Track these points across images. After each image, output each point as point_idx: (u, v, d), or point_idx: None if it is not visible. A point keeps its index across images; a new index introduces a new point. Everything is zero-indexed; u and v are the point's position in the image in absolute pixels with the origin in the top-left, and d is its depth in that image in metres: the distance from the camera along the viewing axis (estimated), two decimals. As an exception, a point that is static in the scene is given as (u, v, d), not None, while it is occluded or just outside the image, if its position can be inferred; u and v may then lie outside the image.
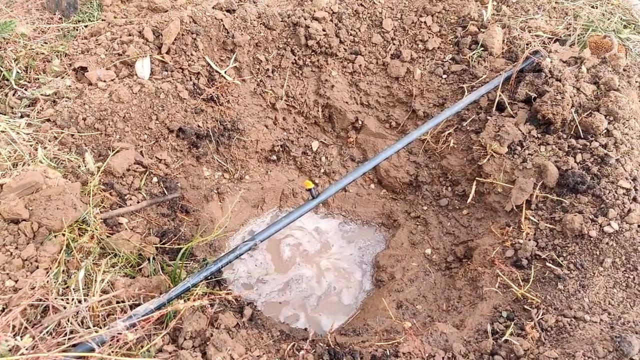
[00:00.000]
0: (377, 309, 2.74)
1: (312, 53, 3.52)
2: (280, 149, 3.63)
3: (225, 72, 3.35)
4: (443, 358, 2.09)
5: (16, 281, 2.04)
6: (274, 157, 3.62)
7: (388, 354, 2.10)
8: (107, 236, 2.42)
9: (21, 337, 1.80)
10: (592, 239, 2.32)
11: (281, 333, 2.40)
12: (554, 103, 2.84)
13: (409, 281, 2.87)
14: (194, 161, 3.24)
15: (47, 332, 1.93)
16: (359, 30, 3.53)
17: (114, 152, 2.77)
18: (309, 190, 2.49)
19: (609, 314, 2.06)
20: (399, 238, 3.19)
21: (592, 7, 3.90)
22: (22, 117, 2.72)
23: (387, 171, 3.49)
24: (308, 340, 2.20)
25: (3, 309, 1.92)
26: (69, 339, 1.90)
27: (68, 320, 1.98)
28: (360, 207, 3.53)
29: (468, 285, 2.61)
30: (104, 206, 2.59)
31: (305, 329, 2.79)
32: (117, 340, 1.88)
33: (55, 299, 2.05)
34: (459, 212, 3.08)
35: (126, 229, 2.57)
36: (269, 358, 2.05)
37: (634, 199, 2.39)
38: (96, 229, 2.41)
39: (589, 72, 3.01)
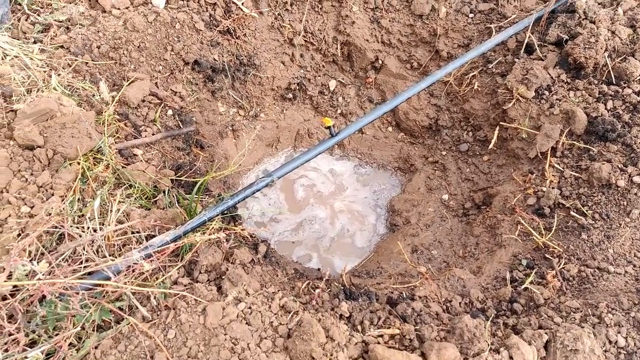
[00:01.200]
0: (392, 252, 2.72)
1: (333, -14, 3.32)
2: (297, 87, 3.50)
3: (242, 3, 3.18)
4: (460, 303, 2.08)
5: (32, 207, 2.02)
6: (290, 96, 3.51)
7: (404, 296, 2.09)
8: (122, 167, 2.38)
9: (37, 262, 1.79)
10: (619, 188, 2.24)
11: (295, 271, 2.40)
12: (586, 46, 2.68)
13: (424, 226, 2.84)
14: (209, 96, 3.14)
15: (63, 259, 1.93)
16: (384, -37, 3.31)
17: (129, 82, 2.68)
18: (328, 127, 2.40)
19: (634, 265, 2.02)
20: (415, 183, 3.13)
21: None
22: (35, 42, 2.61)
23: (406, 114, 3.38)
24: (324, 280, 2.20)
25: (19, 234, 1.91)
26: (84, 267, 1.89)
27: (84, 249, 1.97)
28: (376, 150, 3.45)
29: (486, 233, 2.57)
30: (118, 137, 2.53)
31: (319, 269, 2.79)
32: (133, 270, 1.87)
33: (71, 226, 2.03)
34: (480, 158, 3.00)
35: (141, 160, 2.52)
36: (284, 294, 2.04)
37: (667, 150, 2.29)
38: (111, 159, 2.37)
39: (626, 15, 2.82)
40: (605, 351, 1.77)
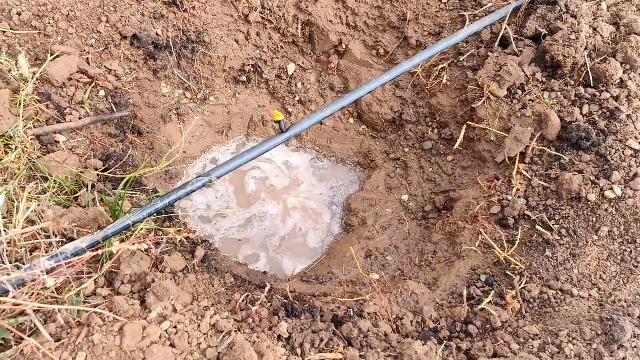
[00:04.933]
0: (344, 256, 2.52)
1: (296, -43, 3.02)
2: (252, 70, 3.20)
3: (192, -29, 2.83)
4: (412, 322, 1.89)
5: None
6: (244, 79, 3.20)
7: (352, 314, 1.89)
8: (39, 157, 2.06)
9: None
10: (589, 203, 2.08)
11: (236, 279, 2.16)
12: (566, 44, 2.49)
13: (381, 229, 2.64)
14: (150, 75, 2.81)
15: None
16: (354, -64, 3.02)
17: (54, 56, 2.33)
18: (278, 122, 2.14)
19: (599, 289, 1.88)
20: (374, 180, 2.92)
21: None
22: (-57, 3, 2.23)
23: (369, 105, 3.14)
24: (265, 290, 1.97)
25: None
26: (-18, 275, 1.60)
27: (-18, 254, 1.67)
28: (336, 142, 3.21)
29: (445, 240, 2.39)
30: (38, 120, 2.20)
31: (265, 273, 2.57)
32: (39, 284, 1.59)
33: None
34: (444, 158, 2.80)
35: (64, 149, 2.20)
36: (217, 310, 1.81)
37: (641, 163, 2.14)
38: (25, 147, 2.05)
39: (609, 11, 2.65)
40: (564, 386, 1.63)
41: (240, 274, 2.31)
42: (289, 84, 3.26)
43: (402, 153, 2.97)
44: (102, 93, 2.51)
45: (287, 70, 3.24)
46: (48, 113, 2.26)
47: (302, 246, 2.79)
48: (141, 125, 2.67)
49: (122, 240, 1.93)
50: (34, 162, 2.02)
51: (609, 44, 2.50)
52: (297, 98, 3.25)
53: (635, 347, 1.65)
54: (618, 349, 1.66)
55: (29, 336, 1.57)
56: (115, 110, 2.51)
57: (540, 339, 1.75)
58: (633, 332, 1.67)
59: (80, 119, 2.34)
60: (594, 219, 2.05)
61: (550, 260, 2.00)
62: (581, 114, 2.37)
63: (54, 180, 2.00)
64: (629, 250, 1.97)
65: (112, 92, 2.55)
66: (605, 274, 1.93)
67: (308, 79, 3.28)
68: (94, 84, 2.47)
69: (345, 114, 3.27)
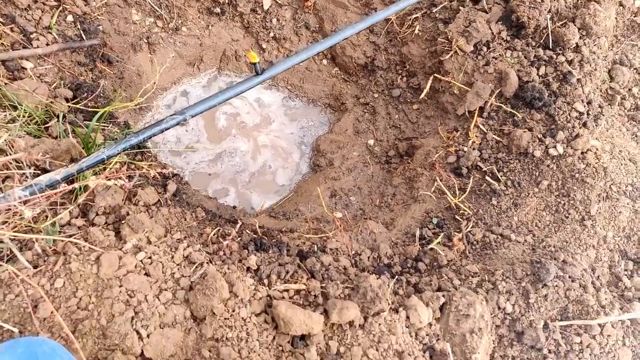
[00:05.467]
0: (311, 194, 2.67)
1: None
2: (227, 1, 3.12)
3: None
4: (369, 257, 2.10)
5: None
6: (218, 10, 3.13)
7: (315, 249, 2.07)
8: (5, 84, 2.03)
9: None
10: (534, 158, 2.29)
11: (207, 213, 2.28)
12: (532, 5, 2.58)
13: (347, 170, 2.79)
14: (121, 1, 2.71)
15: None
16: None
17: (16, -26, 2.22)
18: (253, 64, 2.17)
19: (533, 235, 2.12)
20: (344, 123, 3.02)
21: None
22: None
23: (343, 48, 3.17)
24: (237, 227, 2.11)
25: None
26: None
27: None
28: (308, 83, 3.25)
29: (404, 184, 2.58)
30: (2, 43, 2.14)
31: (234, 207, 2.70)
32: (14, 214, 1.65)
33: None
34: (409, 106, 2.93)
35: (31, 76, 2.17)
36: (190, 243, 1.94)
37: (584, 124, 2.34)
38: (-9, 72, 2.01)
39: (577, -25, 2.73)
40: (494, 316, 1.90)
41: (211, 208, 2.43)
42: (263, 19, 3.21)
43: (372, 98, 3.07)
44: (70, 18, 2.43)
45: (262, 5, 3.18)
46: (13, 37, 2.19)
47: (271, 183, 2.92)
48: (111, 54, 2.62)
49: (96, 173, 1.99)
50: (1, 89, 1.99)
51: (570, 9, 2.60)
52: (272, 34, 3.23)
53: (556, 286, 1.92)
54: (542, 287, 1.92)
55: (6, 262, 1.65)
56: (84, 37, 2.45)
57: (478, 276, 1.99)
58: (556, 273, 1.94)
59: (47, 44, 2.28)
60: (537, 173, 2.27)
61: (495, 207, 2.23)
62: (537, 74, 2.51)
63: (24, 110, 1.99)
64: (562, 202, 2.22)
65: (81, 17, 2.47)
66: (540, 222, 2.18)
67: (283, 15, 3.24)
68: (61, 8, 2.39)
69: (319, 55, 3.29)
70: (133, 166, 2.23)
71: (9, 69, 2.11)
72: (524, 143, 2.31)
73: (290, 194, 2.84)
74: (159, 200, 2.14)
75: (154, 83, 2.92)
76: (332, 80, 3.27)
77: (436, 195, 2.41)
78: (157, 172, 2.14)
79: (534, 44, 2.59)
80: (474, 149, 2.44)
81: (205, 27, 3.15)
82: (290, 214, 2.57)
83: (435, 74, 2.77)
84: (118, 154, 1.97)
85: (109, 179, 1.82)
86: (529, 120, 2.40)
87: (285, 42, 3.30)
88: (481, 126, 2.49)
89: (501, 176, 2.31)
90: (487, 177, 2.34)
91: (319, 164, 2.93)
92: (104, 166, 2.02)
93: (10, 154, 1.83)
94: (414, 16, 2.92)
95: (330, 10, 3.25)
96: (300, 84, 3.27)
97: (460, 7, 2.75)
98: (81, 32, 2.45)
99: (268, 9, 3.24)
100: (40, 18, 2.29)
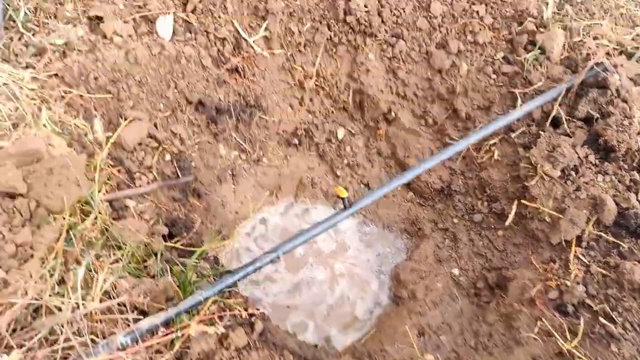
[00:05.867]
0: (396, 332, 2.51)
1: (350, 31, 3.14)
2: (303, 133, 3.30)
3: (254, 41, 2.97)
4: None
5: (7, 271, 1.72)
6: (296, 141, 3.30)
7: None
8: (112, 223, 2.12)
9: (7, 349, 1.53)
10: (654, 296, 2.09)
11: (293, 355, 2.16)
12: (619, 129, 2.56)
13: (432, 304, 2.64)
14: (211, 138, 2.91)
15: (37, 340, 1.66)
16: (404, 12, 3.15)
17: (127, 121, 2.42)
18: (342, 199, 2.20)
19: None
20: (423, 250, 2.94)
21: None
22: (27, 67, 2.33)
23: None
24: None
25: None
26: (62, 348, 1.63)
27: (62, 326, 1.70)
28: (383, 208, 3.25)
29: (501, 322, 2.39)
30: (110, 185, 2.27)
31: (316, 346, 2.56)
32: (115, 361, 1.61)
33: (50, 296, 1.76)
34: (494, 232, 2.83)
35: (133, 214, 2.26)
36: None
37: None
38: (100, 213, 2.10)
39: (660, 97, 2.72)
40: None
41: (295, 349, 2.31)
42: (338, 148, 3.34)
43: (451, 223, 3.01)
44: (167, 157, 2.59)
45: (336, 135, 3.33)
46: (119, 177, 2.33)
47: (349, 316, 2.78)
48: (200, 188, 2.74)
49: (191, 315, 1.96)
50: (108, 229, 2.07)
51: (660, 130, 2.56)
52: (345, 162, 3.33)
53: None
54: None
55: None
56: (179, 172, 2.59)
57: None
58: None
59: (148, 183, 2.41)
60: (662, 315, 2.05)
61: (617, 356, 1.99)
62: (637, 200, 2.40)
63: (128, 249, 2.05)
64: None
65: (177, 155, 2.64)
66: (677, 376, 1.92)
67: (356, 143, 3.36)
68: (161, 148, 2.56)
69: (394, 182, 3.33)
70: (222, 303, 2.20)
71: (114, 208, 2.21)
72: (637, 278, 2.12)
73: (372, 330, 2.69)
74: (248, 343, 2.06)
75: (236, 212, 3.00)
76: (407, 205, 3.26)
77: (541, 336, 2.20)
78: (248, 313, 2.10)
79: (626, 167, 2.51)
80: (577, 283, 2.27)
81: (284, 157, 3.30)
82: (377, 355, 2.40)
83: (520, 199, 2.70)
84: (214, 294, 1.95)
85: (206, 323, 1.79)
86: (637, 251, 2.23)
87: (359, 169, 3.39)
88: (581, 257, 2.34)
89: (616, 316, 2.10)
90: (599, 318, 2.13)
91: (401, 295, 2.79)
92: (199, 309, 1.99)
93: (114, 297, 1.84)
94: (491, 142, 2.94)
95: (402, 137, 3.35)
96: (374, 209, 3.27)
97: (540, 132, 2.76)
98: (176, 168, 2.60)
99: (342, 138, 3.38)
100: (143, 158, 2.46)
